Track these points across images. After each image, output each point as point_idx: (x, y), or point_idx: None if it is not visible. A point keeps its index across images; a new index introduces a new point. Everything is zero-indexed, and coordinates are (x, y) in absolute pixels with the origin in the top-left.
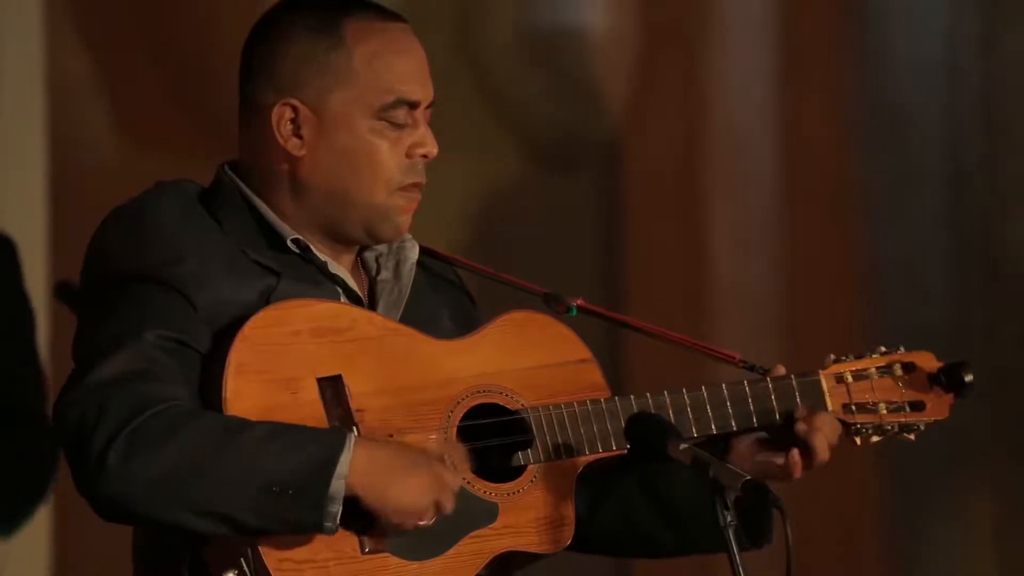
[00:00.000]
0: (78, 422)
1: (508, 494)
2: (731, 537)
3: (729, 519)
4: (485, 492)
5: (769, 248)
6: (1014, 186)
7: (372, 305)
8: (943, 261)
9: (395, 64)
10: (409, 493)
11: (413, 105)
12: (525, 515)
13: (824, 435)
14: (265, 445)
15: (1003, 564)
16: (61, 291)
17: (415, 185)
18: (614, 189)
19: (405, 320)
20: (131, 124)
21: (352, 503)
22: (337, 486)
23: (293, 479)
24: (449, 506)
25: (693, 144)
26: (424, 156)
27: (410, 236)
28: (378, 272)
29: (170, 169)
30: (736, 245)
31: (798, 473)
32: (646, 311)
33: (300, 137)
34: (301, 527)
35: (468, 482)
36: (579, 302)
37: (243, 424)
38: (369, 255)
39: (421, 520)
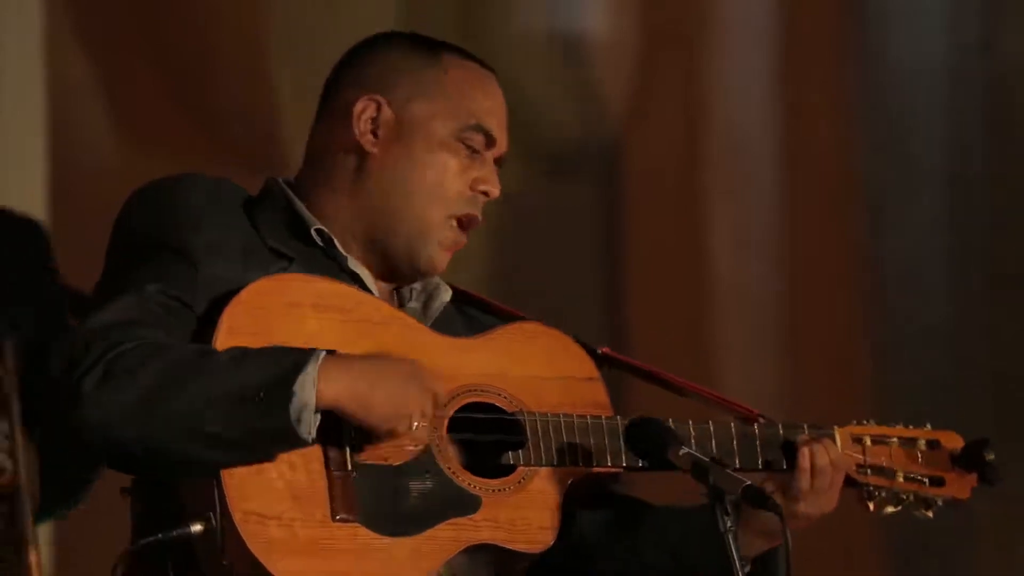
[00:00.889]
0: (66, 363)
1: (493, 490)
2: (731, 543)
3: (729, 525)
4: (470, 485)
5: (769, 249)
6: (1016, 188)
7: None
8: (944, 262)
9: (482, 98)
10: (393, 397)
11: (489, 140)
12: (507, 512)
13: (825, 451)
14: (237, 361)
15: (1006, 570)
16: (73, 303)
17: (468, 217)
18: (614, 190)
19: None
20: (131, 125)
21: (333, 449)
22: (307, 391)
23: (263, 385)
24: (430, 412)
25: (693, 145)
26: (485, 193)
27: (444, 283)
28: (409, 301)
29: (170, 170)
30: (736, 246)
31: (805, 483)
32: (646, 312)
33: (376, 135)
34: (272, 438)
35: (454, 472)
36: (605, 350)
37: (214, 350)
38: (404, 290)
39: (413, 421)
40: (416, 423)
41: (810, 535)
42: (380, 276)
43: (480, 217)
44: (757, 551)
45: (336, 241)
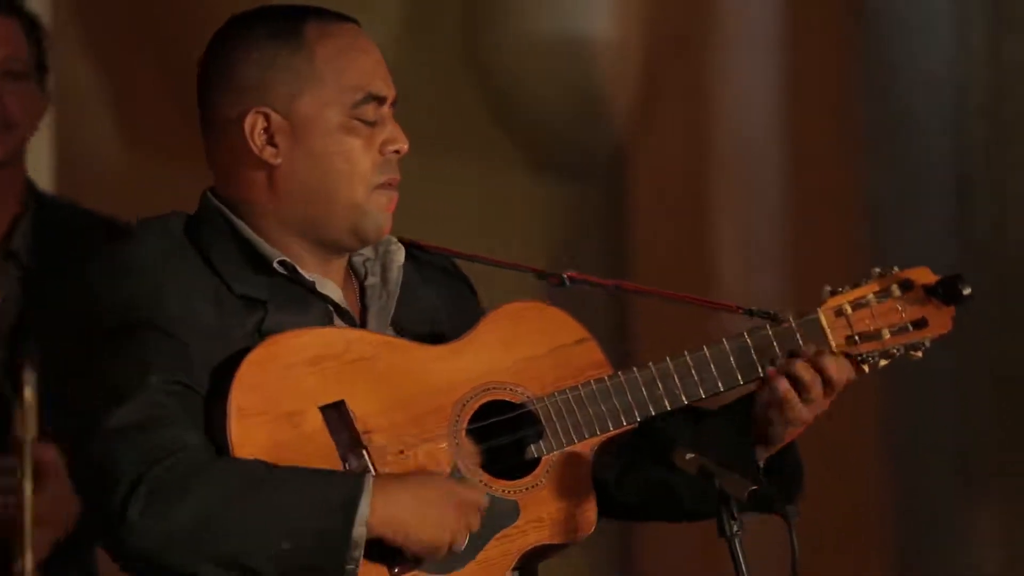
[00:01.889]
0: (95, 479)
1: (526, 489)
2: (737, 546)
3: (735, 528)
4: (503, 491)
5: (775, 257)
6: (1020, 194)
7: (364, 310)
8: (949, 270)
9: (358, 62)
10: (434, 528)
11: (381, 101)
12: (546, 507)
13: (804, 368)
14: (284, 494)
15: (1008, 569)
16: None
17: (391, 182)
18: (620, 198)
19: (398, 320)
20: (136, 131)
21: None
22: (359, 532)
23: (314, 528)
24: (476, 524)
25: (699, 153)
26: (396, 152)
27: (395, 239)
28: (366, 277)
29: (175, 176)
30: (742, 254)
31: (787, 394)
32: (652, 318)
33: (275, 145)
34: (322, 573)
35: (485, 484)
36: (570, 273)
37: (259, 471)
38: (357, 260)
39: (452, 548)
40: (460, 546)
41: (819, 538)
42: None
43: (398, 176)
44: (760, 458)
45: (298, 268)
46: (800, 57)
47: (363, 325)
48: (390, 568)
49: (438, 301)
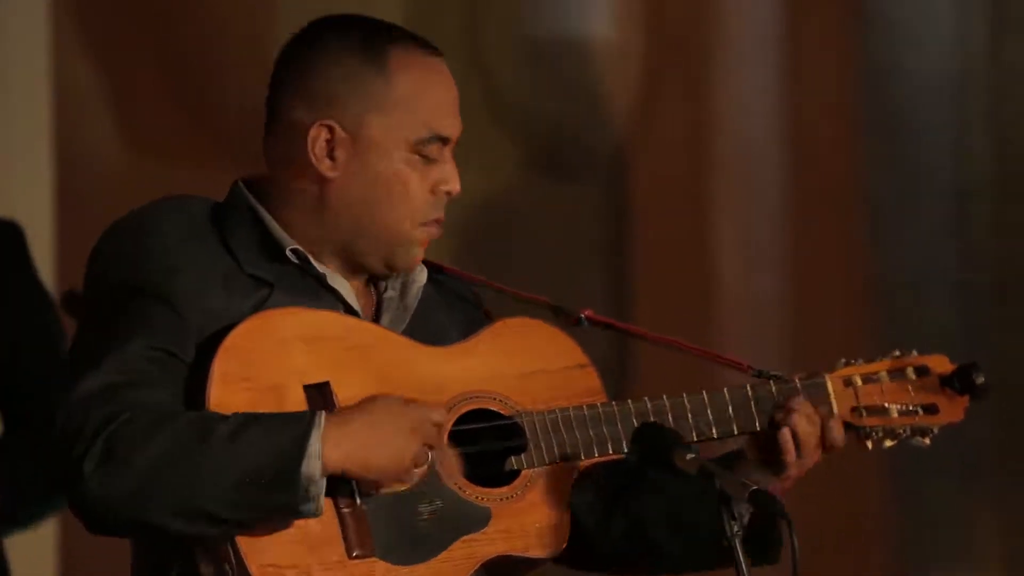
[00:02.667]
0: (61, 435)
1: (501, 499)
2: (739, 548)
3: (736, 529)
4: (478, 497)
5: (775, 258)
6: (1020, 197)
7: (376, 320)
8: (948, 271)
9: (434, 98)
10: (392, 453)
11: (445, 141)
12: (518, 520)
13: (804, 416)
14: (237, 437)
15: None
16: (67, 301)
17: (437, 220)
18: (620, 198)
19: (408, 334)
20: (138, 131)
21: (339, 488)
22: (311, 466)
23: (267, 466)
24: (437, 441)
25: (699, 154)
26: (448, 193)
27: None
28: (386, 290)
29: (176, 176)
30: (742, 255)
31: (790, 455)
32: (652, 320)
33: (333, 159)
34: (280, 513)
35: (460, 488)
36: (588, 313)
37: (215, 420)
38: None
39: (417, 469)
40: (422, 467)
41: (819, 542)
42: (356, 273)
43: (443, 216)
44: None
45: (312, 259)
46: (800, 57)
47: None
48: (346, 542)
49: (453, 328)
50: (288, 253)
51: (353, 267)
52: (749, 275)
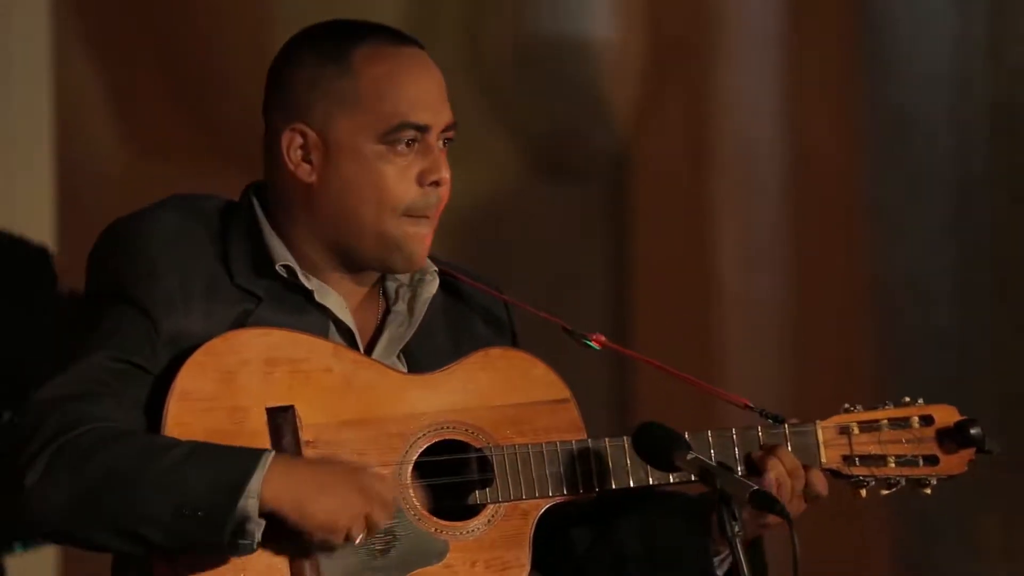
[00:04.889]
0: (13, 441)
1: (461, 533)
2: (739, 547)
3: (736, 530)
4: (436, 530)
5: (776, 259)
6: (1020, 195)
7: (378, 333)
8: (950, 272)
9: (402, 87)
10: (330, 508)
11: (422, 129)
12: (477, 555)
13: (783, 467)
14: (181, 465)
15: None
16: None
17: (424, 213)
18: (621, 199)
19: (410, 349)
20: (138, 132)
21: (279, 529)
22: (248, 505)
23: (204, 500)
24: (382, 520)
25: (700, 155)
26: (435, 183)
27: (433, 270)
28: (396, 302)
29: (177, 178)
30: (743, 256)
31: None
32: (652, 322)
33: (310, 163)
34: (214, 546)
35: (419, 519)
36: (598, 339)
37: (165, 444)
38: (391, 284)
39: (350, 536)
40: (358, 535)
41: (820, 545)
42: (360, 277)
43: (433, 212)
44: (751, 535)
45: (300, 275)
46: (800, 57)
47: (371, 346)
48: (292, 572)
49: (456, 347)
50: (278, 268)
51: (354, 271)
52: (748, 274)
